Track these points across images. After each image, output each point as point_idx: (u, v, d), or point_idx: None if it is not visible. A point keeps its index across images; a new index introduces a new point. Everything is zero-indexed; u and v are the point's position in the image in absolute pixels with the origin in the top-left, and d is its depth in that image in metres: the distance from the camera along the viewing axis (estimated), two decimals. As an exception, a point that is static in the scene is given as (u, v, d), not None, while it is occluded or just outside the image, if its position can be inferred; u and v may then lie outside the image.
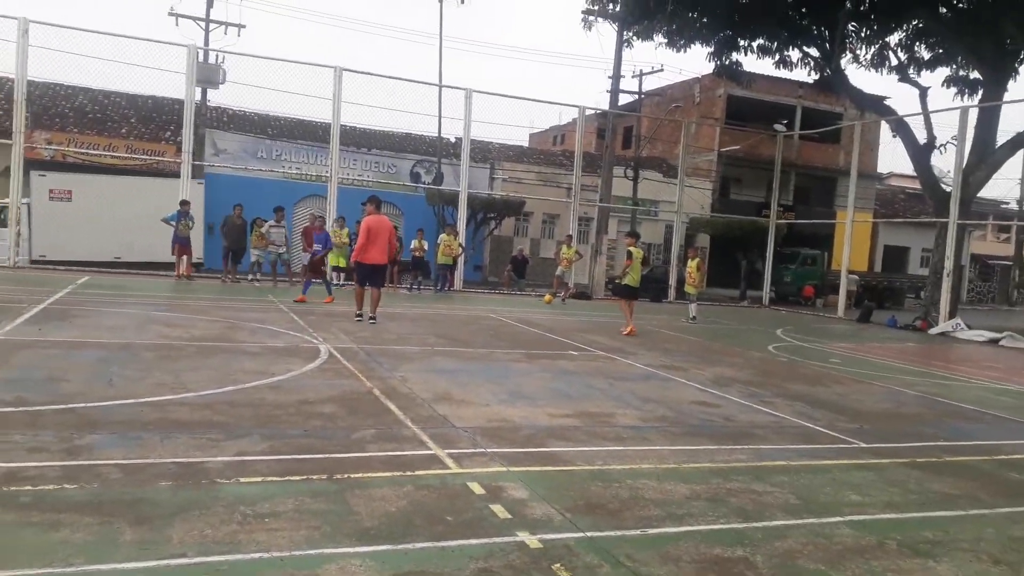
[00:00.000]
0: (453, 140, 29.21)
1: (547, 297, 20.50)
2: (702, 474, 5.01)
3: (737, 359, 11.44)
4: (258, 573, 3.09)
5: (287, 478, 4.26)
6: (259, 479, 4.21)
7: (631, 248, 14.03)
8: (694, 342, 13.40)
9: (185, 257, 18.25)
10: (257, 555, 3.25)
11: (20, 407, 5.34)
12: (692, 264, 18.25)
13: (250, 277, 18.90)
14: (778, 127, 29.65)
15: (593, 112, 28.70)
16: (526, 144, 39.46)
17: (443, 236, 20.58)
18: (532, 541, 3.61)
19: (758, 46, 23.30)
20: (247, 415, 5.59)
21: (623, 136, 35.14)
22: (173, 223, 17.57)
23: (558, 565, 3.37)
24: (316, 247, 15.60)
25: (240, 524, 3.55)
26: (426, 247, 20.84)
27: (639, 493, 4.49)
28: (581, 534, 3.76)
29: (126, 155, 22.85)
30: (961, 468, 5.72)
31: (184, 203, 18.17)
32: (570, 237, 21.99)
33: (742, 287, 29.13)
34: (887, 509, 4.60)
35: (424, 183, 27.27)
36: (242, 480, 4.17)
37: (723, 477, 4.97)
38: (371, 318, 11.83)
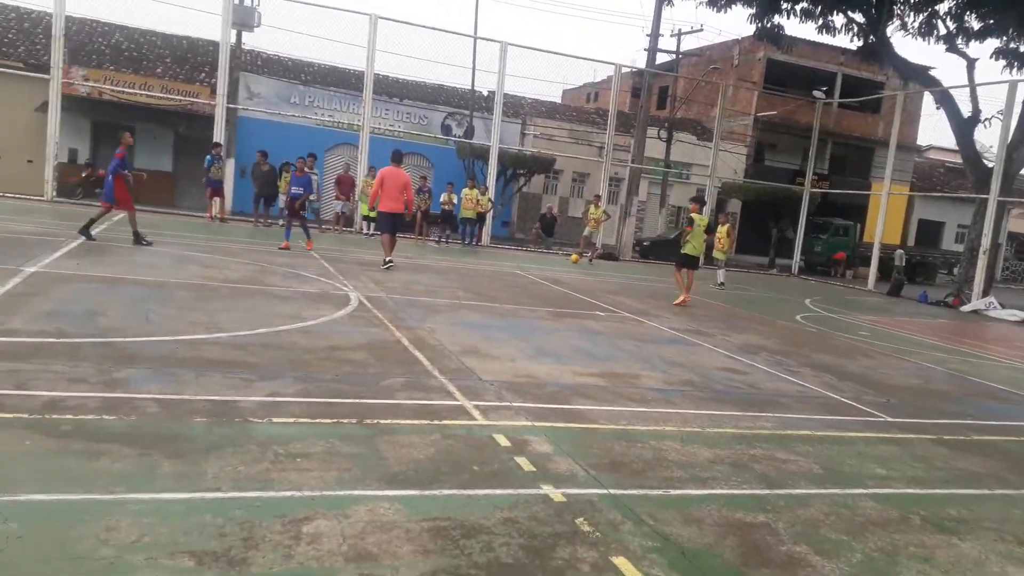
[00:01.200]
0: (485, 93, 28.89)
1: (574, 256, 20.43)
2: (726, 439, 5.03)
3: (764, 327, 11.37)
4: (290, 510, 3.17)
5: (318, 420, 4.34)
6: (291, 420, 4.30)
7: (693, 215, 13.24)
8: (722, 308, 13.32)
9: (217, 199, 18.45)
10: (289, 493, 3.33)
11: (61, 338, 5.46)
12: (722, 230, 18.08)
13: (281, 223, 19.04)
14: (817, 94, 29.05)
15: (629, 71, 28.18)
16: (559, 100, 38.91)
17: (465, 190, 20.53)
18: (556, 495, 3.66)
19: (801, 10, 22.60)
20: (279, 357, 5.68)
21: (658, 96, 34.52)
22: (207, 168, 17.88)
23: (581, 519, 3.42)
24: (296, 190, 14.82)
25: (272, 463, 3.64)
26: (455, 201, 20.81)
27: (662, 454, 4.52)
28: (604, 491, 3.80)
29: (161, 95, 22.90)
30: (988, 447, 5.68)
31: (216, 146, 18.28)
32: (599, 197, 21.77)
33: (771, 255, 28.81)
34: (911, 484, 4.59)
35: (455, 136, 27.10)
36: (274, 420, 4.26)
37: (747, 443, 4.98)
38: (387, 262, 12.24)
